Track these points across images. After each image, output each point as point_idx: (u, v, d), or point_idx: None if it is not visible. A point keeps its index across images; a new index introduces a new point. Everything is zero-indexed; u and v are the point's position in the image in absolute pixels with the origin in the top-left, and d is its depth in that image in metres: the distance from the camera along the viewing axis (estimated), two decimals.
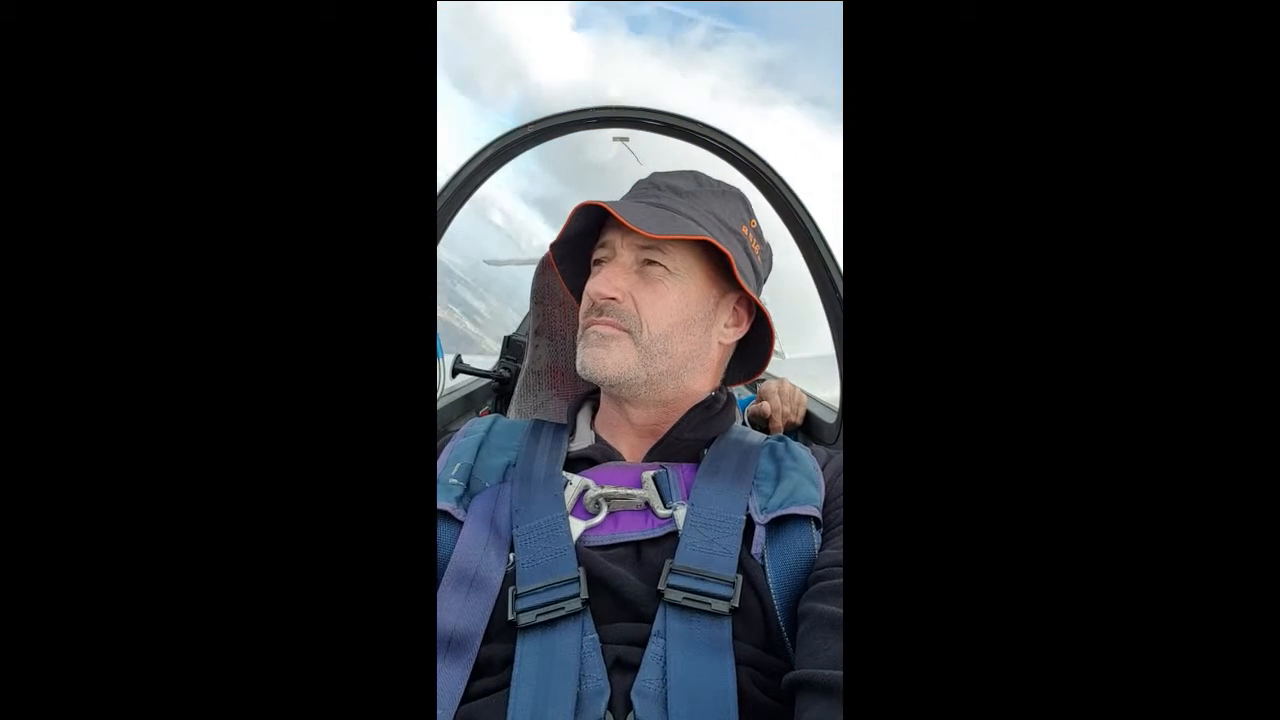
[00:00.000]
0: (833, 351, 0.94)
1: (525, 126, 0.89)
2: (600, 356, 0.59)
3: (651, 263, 0.59)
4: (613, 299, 0.58)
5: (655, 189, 0.64)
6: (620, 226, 0.59)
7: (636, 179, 0.68)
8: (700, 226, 0.60)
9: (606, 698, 0.42)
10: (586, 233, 0.65)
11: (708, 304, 0.62)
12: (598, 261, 0.63)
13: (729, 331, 0.65)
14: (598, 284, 0.59)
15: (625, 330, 0.59)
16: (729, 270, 0.61)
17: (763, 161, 0.90)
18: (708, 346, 0.63)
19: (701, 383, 0.64)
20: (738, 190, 0.68)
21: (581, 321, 0.62)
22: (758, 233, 0.67)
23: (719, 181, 0.67)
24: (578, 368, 0.61)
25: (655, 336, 0.59)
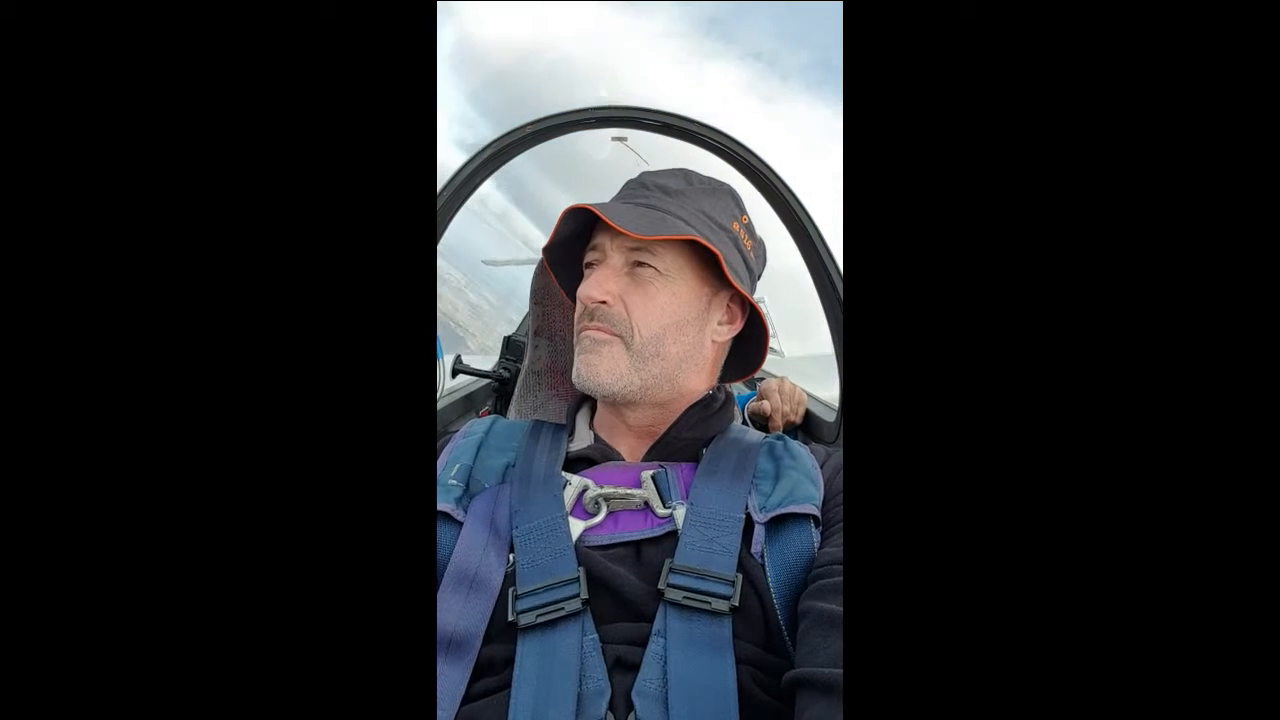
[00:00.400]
0: (832, 350, 0.94)
1: (524, 127, 0.89)
2: (593, 364, 0.59)
3: (641, 264, 0.59)
4: (603, 303, 0.59)
5: (644, 189, 0.64)
6: (609, 229, 0.59)
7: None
8: (689, 226, 0.60)
9: (607, 698, 0.42)
10: (579, 235, 0.65)
11: (700, 303, 0.62)
12: (589, 264, 0.63)
13: (723, 330, 0.64)
14: (588, 288, 0.59)
15: (616, 335, 0.59)
16: (720, 269, 0.60)
17: (761, 161, 0.90)
18: (701, 346, 0.63)
19: (697, 382, 0.64)
20: (728, 186, 0.67)
21: (576, 326, 0.62)
22: (750, 229, 0.67)
23: (709, 178, 0.66)
24: (573, 377, 0.61)
25: (647, 339, 0.59)
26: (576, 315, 0.62)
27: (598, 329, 0.59)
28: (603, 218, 0.57)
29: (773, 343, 0.72)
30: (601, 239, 0.61)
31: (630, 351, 0.59)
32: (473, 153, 0.91)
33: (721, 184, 0.67)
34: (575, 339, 0.62)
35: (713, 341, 0.64)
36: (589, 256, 0.63)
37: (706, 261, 0.62)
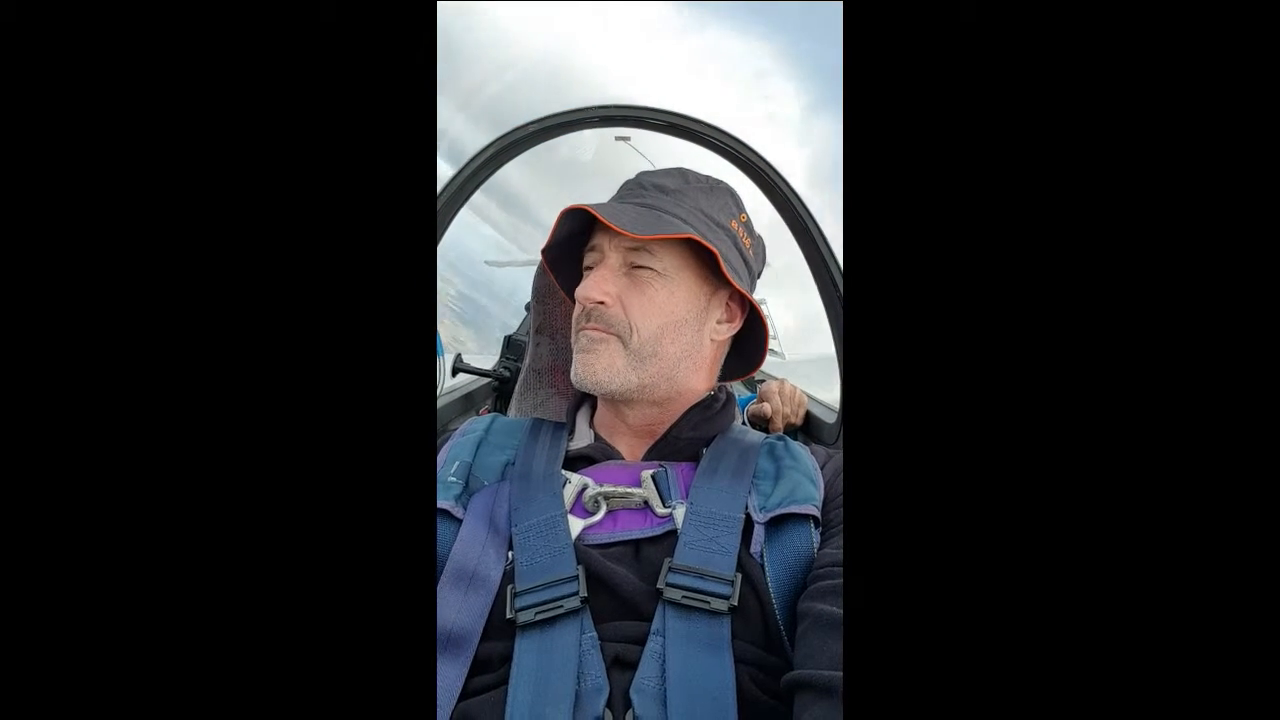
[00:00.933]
0: (833, 352, 0.94)
1: (526, 125, 0.90)
2: (590, 363, 0.59)
3: (640, 264, 0.59)
4: (601, 303, 0.58)
5: (641, 189, 0.64)
6: (607, 229, 0.59)
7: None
8: (687, 225, 0.59)
9: (605, 695, 0.42)
10: (579, 234, 0.65)
11: (698, 302, 0.62)
12: (587, 265, 0.63)
13: (722, 328, 0.64)
14: (586, 289, 0.59)
15: (614, 335, 0.59)
16: (718, 267, 0.60)
17: (765, 161, 0.90)
18: (700, 345, 0.63)
19: (697, 381, 0.64)
20: (727, 185, 0.67)
21: (574, 326, 0.62)
22: (748, 227, 0.67)
23: (707, 177, 0.66)
24: (572, 376, 0.61)
25: (645, 339, 0.59)
26: (575, 315, 0.62)
27: (595, 329, 0.59)
28: (599, 218, 0.57)
29: (773, 344, 0.72)
30: (599, 239, 0.61)
31: (628, 350, 0.59)
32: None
33: (720, 182, 0.67)
34: (573, 339, 0.62)
35: (712, 340, 0.64)
36: (588, 257, 0.63)
37: (705, 260, 0.61)
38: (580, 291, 0.60)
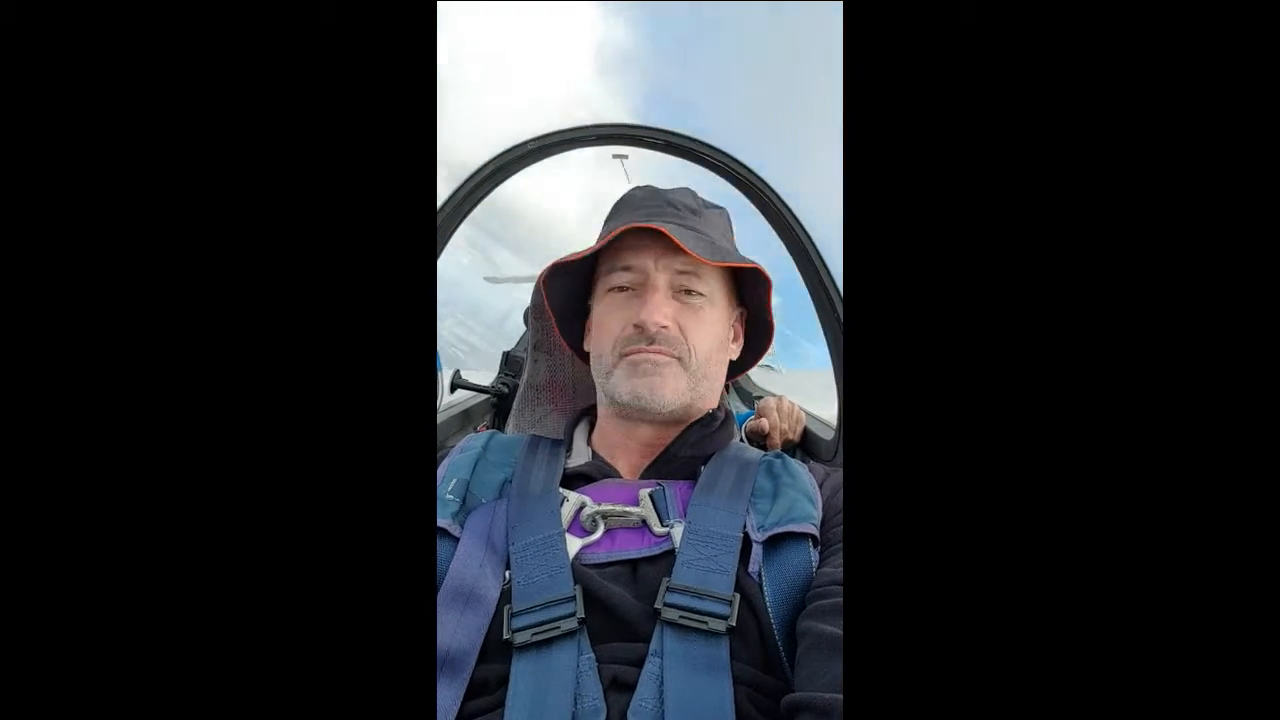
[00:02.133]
0: (829, 367, 0.94)
1: (526, 143, 0.90)
2: (657, 386, 0.59)
3: (690, 288, 0.61)
4: (665, 327, 0.59)
5: (672, 208, 0.64)
6: (652, 250, 0.60)
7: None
8: (732, 250, 0.63)
9: (603, 717, 0.41)
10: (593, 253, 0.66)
11: (728, 324, 0.65)
12: (623, 285, 0.62)
13: (734, 348, 0.68)
14: (650, 313, 0.59)
15: (675, 357, 0.60)
16: (737, 290, 0.64)
17: (762, 180, 0.91)
18: (725, 364, 0.66)
19: (713, 400, 0.66)
20: (724, 208, 0.71)
21: (620, 349, 0.61)
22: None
23: (706, 200, 0.70)
24: (625, 396, 0.60)
25: (700, 361, 0.61)
26: (624, 338, 0.61)
27: (659, 352, 0.60)
28: (678, 244, 0.57)
29: (770, 360, 0.75)
30: (640, 260, 0.61)
31: (689, 373, 0.60)
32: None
33: (720, 205, 0.70)
34: (617, 361, 0.61)
35: (730, 359, 0.67)
36: (624, 278, 0.62)
37: (732, 284, 0.65)
38: (645, 315, 0.59)
